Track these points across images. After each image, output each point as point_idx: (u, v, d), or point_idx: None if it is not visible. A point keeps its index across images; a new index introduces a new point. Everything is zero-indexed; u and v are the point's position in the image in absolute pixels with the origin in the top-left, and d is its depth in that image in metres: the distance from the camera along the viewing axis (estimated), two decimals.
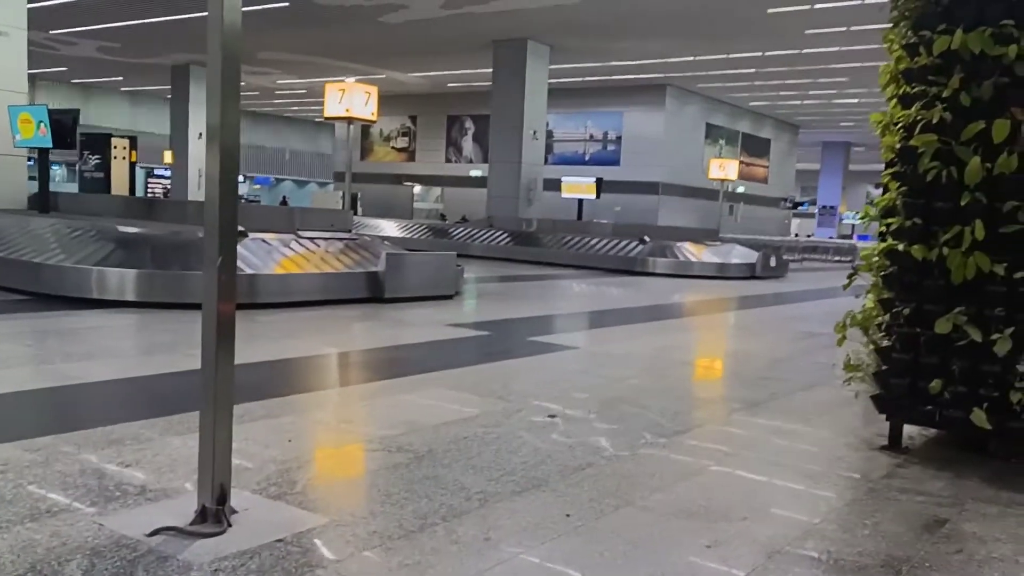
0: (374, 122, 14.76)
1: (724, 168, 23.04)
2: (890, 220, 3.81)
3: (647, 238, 15.00)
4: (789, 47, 18.88)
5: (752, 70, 22.00)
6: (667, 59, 21.01)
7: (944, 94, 3.58)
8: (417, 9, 16.63)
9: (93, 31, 20.69)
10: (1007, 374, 3.47)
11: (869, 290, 4.01)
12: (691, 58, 20.88)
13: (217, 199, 2.47)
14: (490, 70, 20.22)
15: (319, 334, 6.60)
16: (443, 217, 24.29)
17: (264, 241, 7.56)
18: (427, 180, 28.77)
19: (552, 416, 4.10)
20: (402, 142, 30.23)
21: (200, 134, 24.95)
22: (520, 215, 18.99)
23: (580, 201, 21.76)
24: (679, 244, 15.06)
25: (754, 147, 30.36)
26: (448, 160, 29.03)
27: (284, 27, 18.76)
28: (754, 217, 29.39)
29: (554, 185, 21.71)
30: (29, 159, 11.15)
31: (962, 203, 3.51)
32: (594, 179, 21.77)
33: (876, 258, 3.89)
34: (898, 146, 3.77)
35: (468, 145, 28.54)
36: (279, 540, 2.41)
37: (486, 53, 19.87)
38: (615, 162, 25.55)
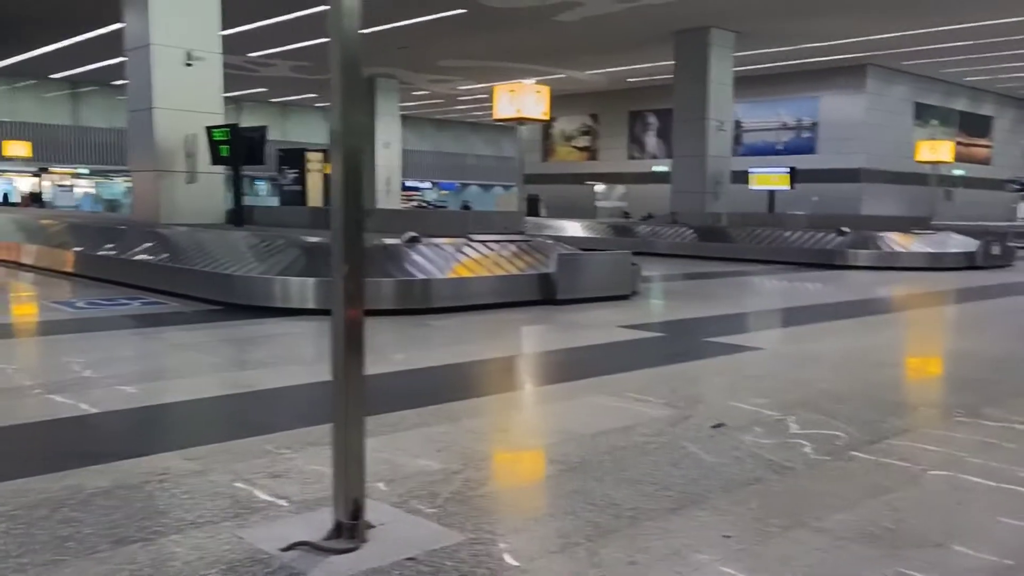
0: (547, 121, 14.74)
1: (935, 150, 21.15)
2: None
3: (845, 228, 13.96)
4: (1012, 14, 16.90)
5: (968, 42, 19.90)
6: (867, 37, 19.43)
7: None
8: (593, 5, 16.43)
9: (287, 51, 22.15)
10: None
11: None
12: (896, 34, 19.20)
13: (341, 205, 2.42)
14: (671, 62, 19.67)
15: (486, 338, 6.57)
16: (626, 215, 23.96)
17: (437, 246, 7.65)
18: (609, 178, 28.49)
19: (720, 424, 3.78)
20: (583, 141, 30.15)
21: (386, 143, 26.01)
22: (706, 210, 18.33)
23: (771, 193, 20.73)
24: (883, 234, 13.89)
25: (973, 126, 27.65)
26: (631, 157, 28.62)
27: (461, 33, 19.19)
28: (974, 202, 26.70)
29: (742, 177, 20.79)
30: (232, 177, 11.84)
31: None
32: (786, 169, 20.67)
33: None
34: None
35: (651, 141, 27.98)
36: (410, 559, 2.31)
37: (666, 45, 19.33)
38: (810, 150, 24.12)
